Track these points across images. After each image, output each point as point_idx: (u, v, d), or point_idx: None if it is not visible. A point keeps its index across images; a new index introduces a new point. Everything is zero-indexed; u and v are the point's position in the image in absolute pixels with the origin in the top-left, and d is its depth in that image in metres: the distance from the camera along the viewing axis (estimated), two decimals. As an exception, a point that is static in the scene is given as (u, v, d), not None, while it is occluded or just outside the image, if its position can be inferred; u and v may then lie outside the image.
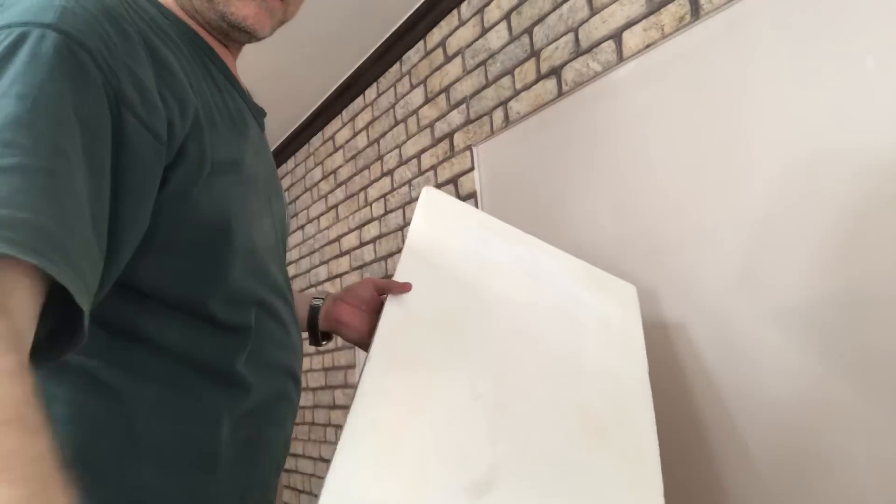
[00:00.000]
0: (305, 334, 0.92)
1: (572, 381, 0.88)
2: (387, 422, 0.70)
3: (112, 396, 0.57)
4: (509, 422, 0.78)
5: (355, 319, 0.88)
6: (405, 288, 0.83)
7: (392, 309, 0.82)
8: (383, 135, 2.31)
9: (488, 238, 1.01)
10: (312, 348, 2.67)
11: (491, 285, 0.94)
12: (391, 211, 2.24)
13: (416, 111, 2.11)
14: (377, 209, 2.34)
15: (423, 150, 2.06)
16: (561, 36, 1.49)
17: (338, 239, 2.63)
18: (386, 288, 0.85)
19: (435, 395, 0.76)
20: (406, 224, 2.15)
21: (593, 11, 1.40)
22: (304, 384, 2.71)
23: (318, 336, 0.95)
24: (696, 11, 1.17)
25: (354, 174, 2.51)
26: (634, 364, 0.97)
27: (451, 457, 0.71)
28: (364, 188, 2.43)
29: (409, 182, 2.14)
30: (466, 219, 1.03)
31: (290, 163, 3.05)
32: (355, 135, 2.50)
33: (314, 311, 0.94)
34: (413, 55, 2.13)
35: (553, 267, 1.05)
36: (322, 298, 0.96)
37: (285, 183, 3.11)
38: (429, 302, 0.86)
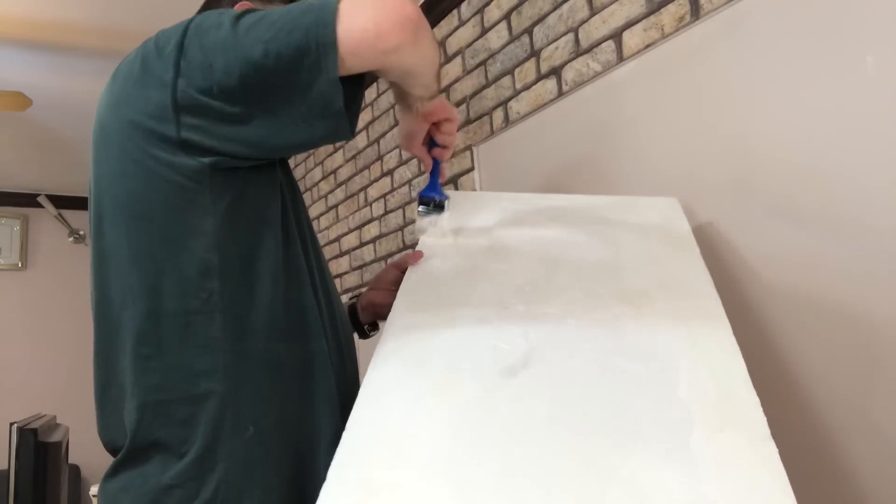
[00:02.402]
0: None
1: (609, 276, 0.86)
2: (412, 345, 0.75)
3: (238, 353, 0.74)
4: (542, 319, 0.78)
5: (388, 298, 0.95)
6: (417, 256, 0.93)
7: (412, 271, 0.90)
8: (383, 135, 2.31)
9: (506, 205, 1.03)
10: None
11: (511, 234, 0.96)
12: (391, 211, 2.24)
13: (416, 111, 2.11)
14: (377, 209, 2.34)
15: (423, 150, 2.06)
16: (561, 36, 1.49)
17: (338, 239, 2.63)
18: (404, 263, 0.96)
19: (460, 316, 0.79)
20: (406, 224, 2.15)
21: (593, 11, 1.40)
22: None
23: (363, 328, 1.07)
24: (696, 11, 1.17)
25: (354, 174, 2.51)
26: (682, 250, 0.91)
27: (484, 353, 0.73)
28: (364, 188, 2.43)
29: (409, 182, 2.14)
30: (482, 199, 1.08)
31: (290, 163, 3.05)
32: (355, 135, 2.50)
33: (352, 309, 1.06)
34: (413, 55, 2.12)
35: (578, 205, 1.05)
36: (356, 296, 1.09)
37: (285, 183, 3.11)
38: (448, 258, 0.91)
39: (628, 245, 0.92)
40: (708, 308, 0.79)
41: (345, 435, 0.65)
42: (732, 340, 0.73)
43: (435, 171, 0.96)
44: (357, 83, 0.74)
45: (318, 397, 0.77)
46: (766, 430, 0.62)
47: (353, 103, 0.73)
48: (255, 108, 0.70)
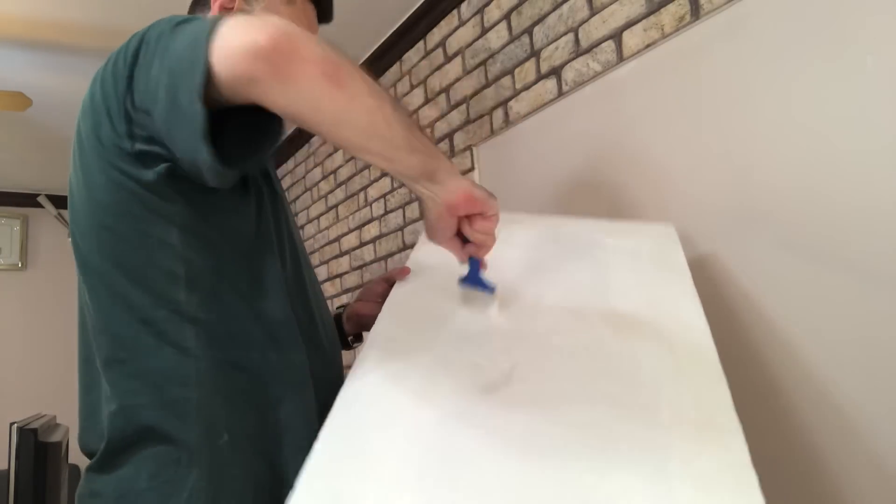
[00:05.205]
0: None
1: (598, 299, 0.85)
2: (393, 358, 0.74)
3: (211, 361, 0.73)
4: (527, 334, 0.78)
5: (374, 310, 0.94)
6: (405, 272, 0.92)
7: (399, 287, 0.90)
8: (383, 135, 2.30)
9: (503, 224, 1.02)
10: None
11: (502, 252, 0.95)
12: (391, 211, 2.24)
13: (416, 111, 2.11)
14: (377, 209, 2.34)
15: (423, 150, 2.06)
16: (561, 36, 1.49)
17: (338, 239, 2.63)
18: (392, 277, 0.95)
19: (444, 331, 0.78)
20: (406, 224, 2.15)
21: (593, 11, 1.40)
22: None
23: (347, 339, 1.07)
24: (696, 11, 1.17)
25: (354, 174, 2.51)
26: (674, 278, 0.89)
27: (464, 368, 0.72)
28: (364, 188, 2.43)
29: (409, 182, 2.13)
30: None
31: (290, 163, 3.05)
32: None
33: (338, 319, 1.05)
34: (413, 55, 2.12)
35: (575, 229, 1.04)
36: (343, 306, 1.08)
37: (285, 183, 3.11)
38: (436, 275, 0.90)
39: (620, 269, 0.91)
40: (696, 335, 0.78)
41: (317, 445, 0.63)
42: (718, 368, 0.72)
43: (474, 263, 0.80)
44: (268, 122, 0.69)
45: (294, 407, 0.77)
46: (747, 458, 0.60)
47: (249, 141, 0.68)
48: (165, 125, 0.68)
